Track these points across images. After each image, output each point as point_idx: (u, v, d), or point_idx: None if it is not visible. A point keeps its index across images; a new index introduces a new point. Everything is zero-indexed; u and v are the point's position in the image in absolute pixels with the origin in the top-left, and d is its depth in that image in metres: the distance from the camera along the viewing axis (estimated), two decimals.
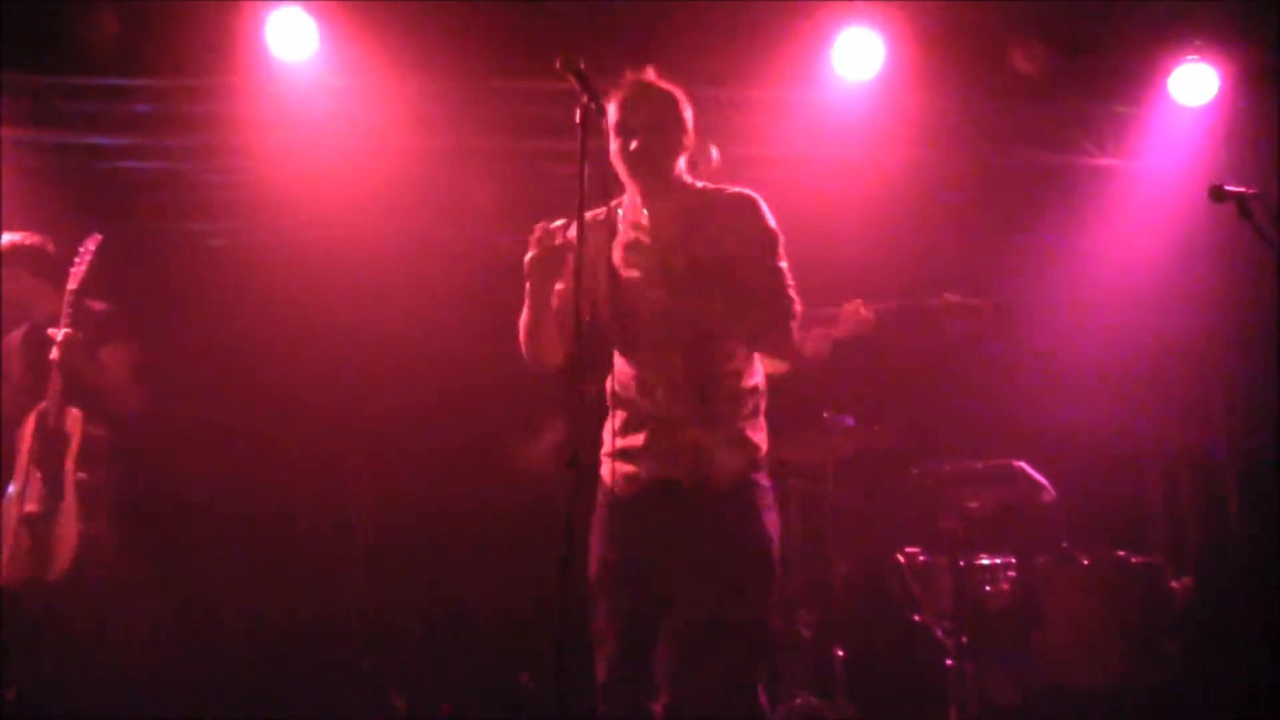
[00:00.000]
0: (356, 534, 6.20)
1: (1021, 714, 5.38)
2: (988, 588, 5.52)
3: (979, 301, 4.72)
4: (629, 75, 3.40)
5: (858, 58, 5.81)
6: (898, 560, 5.72)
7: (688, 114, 3.44)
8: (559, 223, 3.26)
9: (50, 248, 4.83)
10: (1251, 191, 3.88)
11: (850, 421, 5.62)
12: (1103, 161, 6.34)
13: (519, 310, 3.38)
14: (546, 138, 6.02)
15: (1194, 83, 6.02)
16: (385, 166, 6.37)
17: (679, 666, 3.19)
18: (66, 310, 4.54)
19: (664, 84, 3.43)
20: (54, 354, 4.49)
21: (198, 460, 6.48)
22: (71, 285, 4.59)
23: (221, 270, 6.67)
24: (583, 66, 3.10)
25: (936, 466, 5.55)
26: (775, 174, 6.51)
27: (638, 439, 3.34)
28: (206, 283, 6.61)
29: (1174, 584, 5.56)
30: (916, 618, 5.63)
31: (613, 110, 3.34)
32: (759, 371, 3.47)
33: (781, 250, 3.40)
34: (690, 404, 3.31)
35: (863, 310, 4.45)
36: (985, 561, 5.55)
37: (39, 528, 4.48)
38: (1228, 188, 3.94)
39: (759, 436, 3.42)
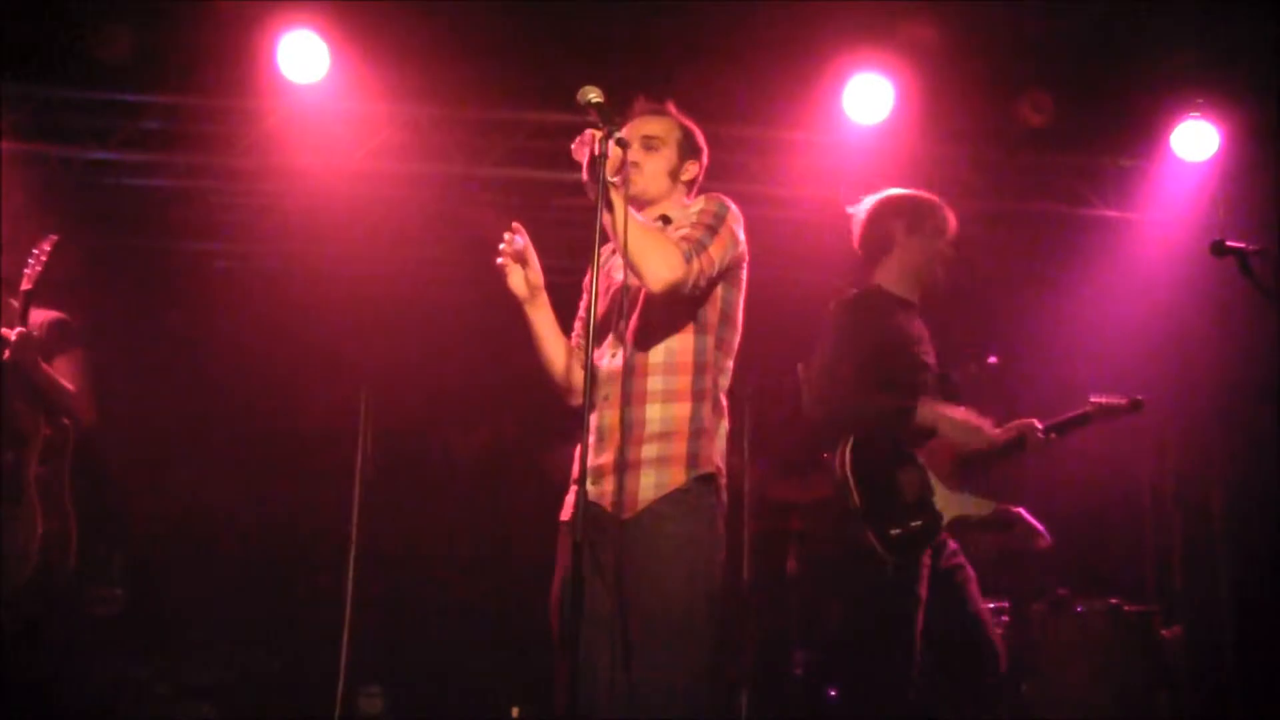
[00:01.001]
0: (349, 559, 6.13)
1: None
2: None
3: (1120, 400, 4.74)
4: (640, 101, 3.50)
5: (868, 102, 5.91)
6: None
7: (692, 142, 3.53)
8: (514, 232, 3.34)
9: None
10: (1252, 248, 3.94)
11: None
12: (1105, 213, 6.43)
13: (520, 338, 3.46)
14: (556, 169, 6.05)
15: (1196, 139, 6.15)
16: (392, 191, 6.38)
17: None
18: (20, 309, 4.40)
19: (674, 112, 3.53)
20: (6, 354, 4.34)
21: (187, 479, 6.46)
22: (25, 285, 4.44)
23: (225, 291, 6.64)
24: (602, 100, 3.11)
25: None
26: (788, 213, 6.58)
27: (580, 462, 3.25)
28: (209, 302, 6.58)
29: (1164, 633, 5.59)
30: None
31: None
32: (701, 380, 3.33)
33: (716, 226, 3.32)
34: (620, 420, 3.25)
35: (1039, 435, 4.46)
36: None
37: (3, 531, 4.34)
38: (1229, 243, 3.99)
39: (695, 451, 3.26)
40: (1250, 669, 6.03)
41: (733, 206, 3.40)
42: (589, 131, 3.14)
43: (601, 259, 3.44)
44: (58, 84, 5.92)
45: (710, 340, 3.36)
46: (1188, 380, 6.39)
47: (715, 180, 6.14)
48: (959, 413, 4.17)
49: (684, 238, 3.25)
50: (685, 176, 3.53)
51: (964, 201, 6.30)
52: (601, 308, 3.41)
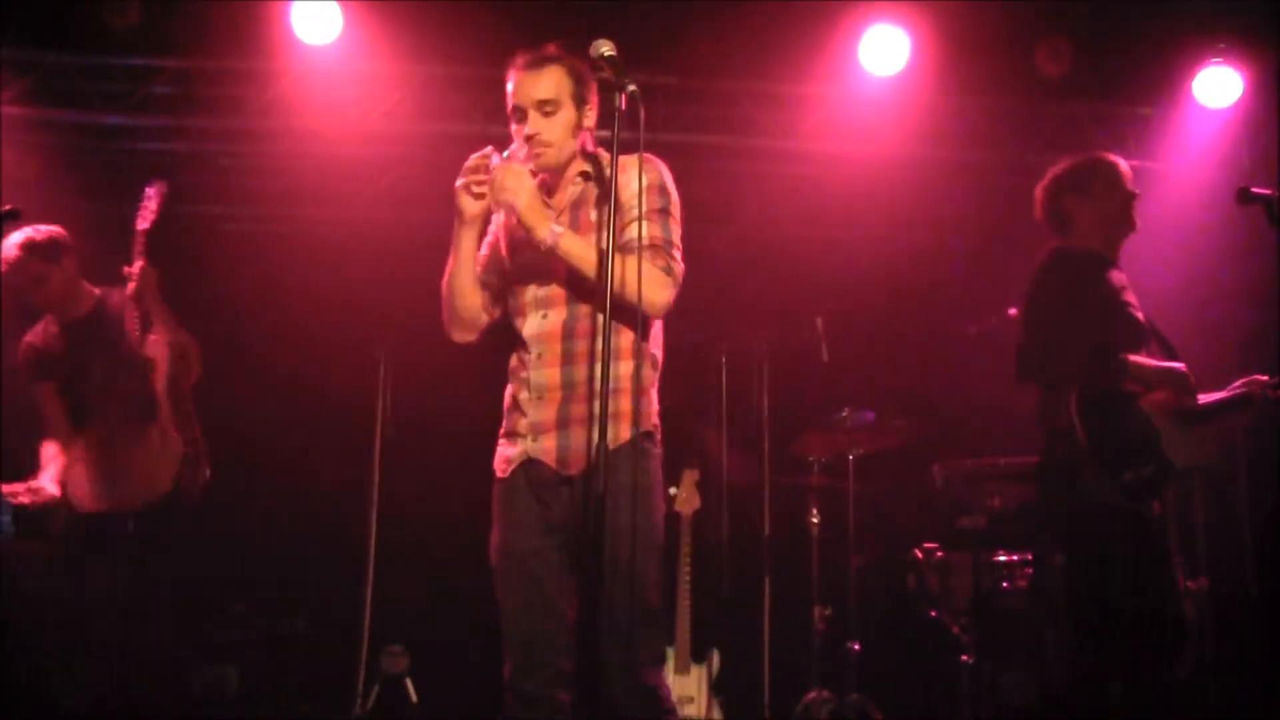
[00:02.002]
0: (370, 519, 6.14)
1: (1036, 712, 5.37)
2: (1005, 585, 5.52)
3: None
4: (520, 55, 3.28)
5: (884, 54, 5.85)
6: (915, 555, 5.73)
7: (583, 86, 3.27)
8: (486, 150, 3.17)
9: None
10: (1278, 194, 3.89)
11: (871, 417, 5.63)
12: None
13: None
14: None
15: (1218, 85, 6.07)
16: (408, 152, 6.36)
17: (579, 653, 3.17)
18: (140, 247, 4.63)
19: (562, 57, 3.27)
20: (129, 288, 4.59)
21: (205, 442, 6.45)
22: (143, 225, 4.66)
23: (238, 254, 6.63)
24: (615, 53, 3.07)
25: (958, 463, 5.56)
26: (803, 168, 6.54)
27: (518, 418, 3.27)
28: (221, 266, 6.57)
29: (1189, 584, 5.56)
30: (933, 613, 5.64)
31: (510, 91, 3.26)
32: (642, 340, 3.23)
33: (667, 207, 3.26)
34: (561, 380, 3.20)
35: (1268, 392, 4.26)
36: (1002, 559, 5.55)
37: (132, 455, 4.62)
38: (1255, 190, 3.96)
39: (638, 408, 3.22)
40: (1274, 622, 6.00)
41: (664, 169, 3.32)
42: (475, 159, 3.10)
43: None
44: (71, 50, 5.91)
45: None
46: (1210, 331, 6.33)
47: (732, 135, 6.19)
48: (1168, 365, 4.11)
49: (652, 246, 3.18)
50: (587, 123, 3.30)
51: (982, 153, 6.33)
52: (522, 260, 3.30)
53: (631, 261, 3.12)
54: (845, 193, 6.51)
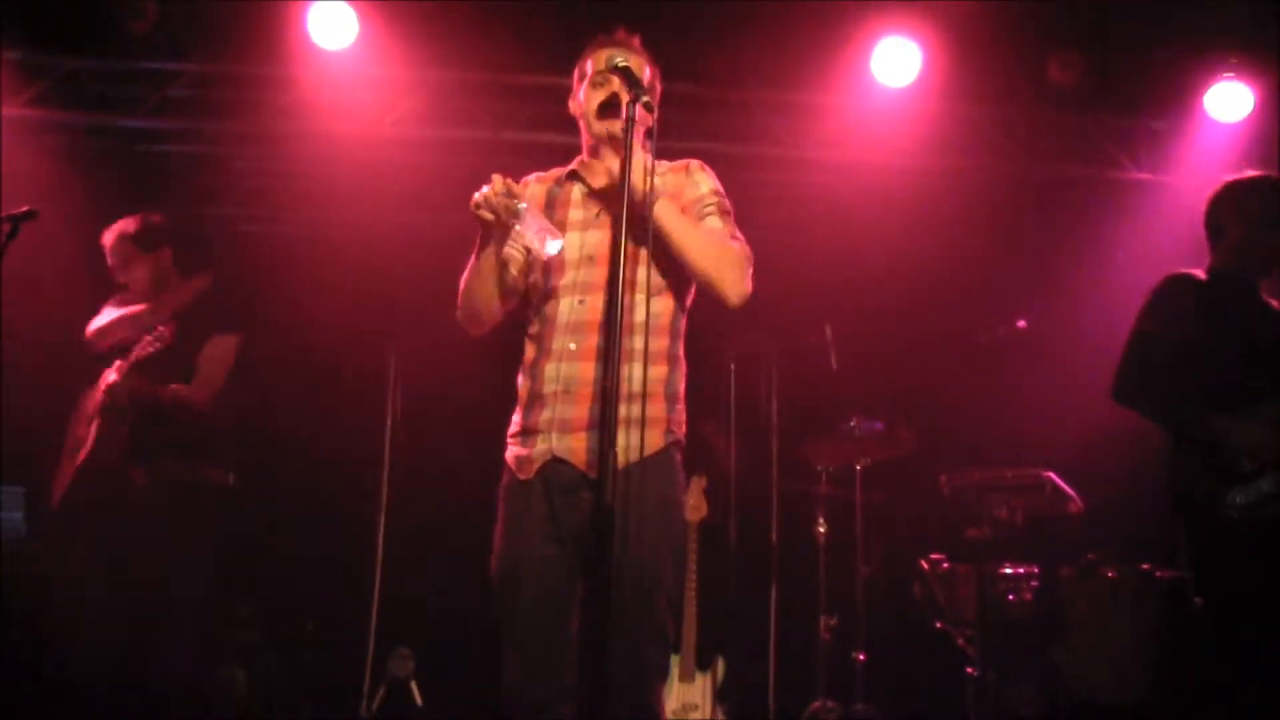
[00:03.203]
0: (378, 521, 6.16)
1: None
2: (1010, 597, 5.53)
3: None
4: (621, 33, 3.35)
5: (896, 65, 5.87)
6: (921, 566, 5.74)
7: (654, 88, 3.33)
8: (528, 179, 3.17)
9: None
10: None
11: (879, 427, 5.65)
12: (1137, 176, 6.35)
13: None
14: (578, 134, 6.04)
15: (1229, 99, 6.06)
16: (420, 157, 6.39)
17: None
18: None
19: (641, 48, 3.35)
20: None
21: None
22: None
23: (253, 256, 6.67)
24: (629, 64, 3.08)
25: (966, 474, 5.57)
26: (814, 176, 6.56)
27: (539, 412, 3.14)
28: (235, 267, 6.60)
29: (1198, 599, 5.55)
30: (938, 624, 5.65)
31: (590, 63, 3.32)
32: (675, 345, 3.24)
33: (731, 211, 3.32)
34: (595, 374, 3.07)
35: None
36: (1009, 571, 5.56)
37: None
38: None
39: (670, 415, 3.17)
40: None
41: (708, 169, 3.38)
42: (491, 195, 3.02)
43: (556, 193, 3.35)
44: (88, 53, 5.94)
45: (685, 304, 3.30)
46: None
47: (746, 143, 6.20)
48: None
49: (735, 238, 3.25)
50: (650, 120, 3.17)
51: (993, 165, 6.33)
52: (567, 243, 3.16)
53: (724, 246, 3.18)
54: (856, 201, 6.52)
